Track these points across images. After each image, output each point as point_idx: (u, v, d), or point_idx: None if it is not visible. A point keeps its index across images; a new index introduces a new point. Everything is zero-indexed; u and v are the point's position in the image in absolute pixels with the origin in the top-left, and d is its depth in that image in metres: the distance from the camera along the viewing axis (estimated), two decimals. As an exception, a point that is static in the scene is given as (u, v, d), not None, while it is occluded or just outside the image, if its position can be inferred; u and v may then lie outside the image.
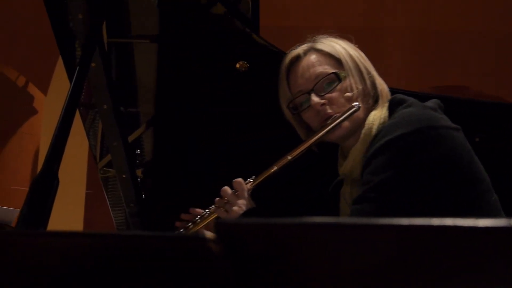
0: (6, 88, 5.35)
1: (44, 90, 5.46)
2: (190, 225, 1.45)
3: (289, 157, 1.36)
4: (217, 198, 1.42)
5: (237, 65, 1.65)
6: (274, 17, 4.18)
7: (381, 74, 1.38)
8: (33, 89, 5.49)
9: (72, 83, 1.36)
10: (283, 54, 1.44)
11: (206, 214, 1.44)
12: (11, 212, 1.91)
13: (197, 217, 1.44)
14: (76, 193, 4.92)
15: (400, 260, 0.43)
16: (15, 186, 5.35)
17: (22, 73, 5.41)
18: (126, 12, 1.87)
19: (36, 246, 0.72)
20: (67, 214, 4.64)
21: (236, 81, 1.72)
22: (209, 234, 0.41)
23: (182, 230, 1.46)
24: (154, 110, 2.09)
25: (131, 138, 1.94)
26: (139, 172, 2.05)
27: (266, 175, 1.39)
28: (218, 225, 0.40)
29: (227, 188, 1.41)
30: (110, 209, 2.03)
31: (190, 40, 1.84)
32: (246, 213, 1.36)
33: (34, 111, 5.51)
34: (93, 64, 1.53)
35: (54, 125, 4.41)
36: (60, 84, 5.39)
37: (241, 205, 1.37)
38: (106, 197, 2.01)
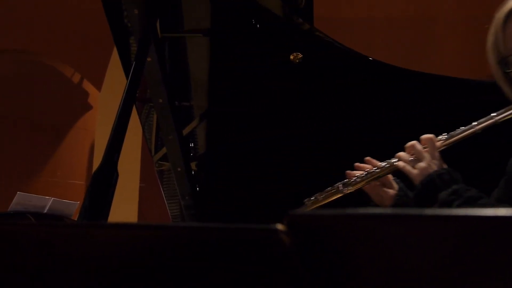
0: (63, 85, 5.50)
1: (98, 86, 5.59)
2: (355, 180, 1.25)
3: (496, 117, 1.14)
4: (401, 153, 1.21)
5: (291, 57, 1.63)
6: (325, 9, 4.14)
7: (434, 62, 1.33)
8: (87, 86, 5.62)
9: (129, 78, 1.38)
10: (338, 45, 1.42)
11: (379, 170, 1.24)
12: (71, 205, 1.96)
13: (373, 168, 1.24)
14: (130, 187, 5.02)
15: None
16: (71, 180, 5.50)
17: (77, 70, 5.55)
18: (178, 6, 1.88)
19: (98, 237, 0.73)
20: (121, 208, 4.74)
21: (290, 72, 1.71)
22: (279, 226, 0.40)
23: (354, 179, 1.26)
24: (207, 103, 2.10)
25: (185, 132, 1.96)
26: (193, 165, 2.07)
27: (463, 134, 1.17)
28: (289, 216, 0.40)
29: (416, 143, 1.19)
30: (165, 201, 2.06)
31: (242, 33, 1.84)
32: (441, 176, 1.14)
33: (89, 107, 5.65)
34: (149, 59, 1.55)
35: (108, 120, 4.50)
36: (114, 80, 5.50)
37: (430, 163, 1.15)
38: (161, 190, 2.04)
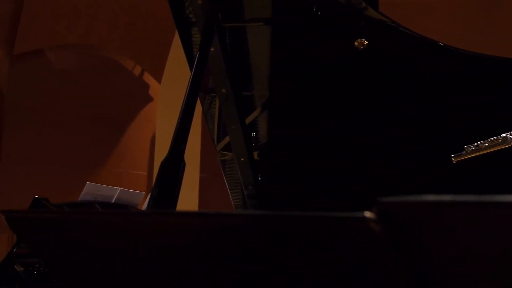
0: (124, 77, 5.62)
1: (158, 78, 5.68)
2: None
3: None
4: None
5: (356, 43, 1.60)
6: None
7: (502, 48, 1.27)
8: (148, 78, 5.72)
9: (194, 68, 1.38)
10: (407, 31, 1.37)
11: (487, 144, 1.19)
12: (137, 195, 2.00)
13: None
14: (190, 177, 5.09)
15: None
16: (134, 171, 5.62)
17: (138, 63, 5.66)
18: (239, -4, 1.88)
19: (167, 225, 0.73)
20: (182, 198, 4.81)
21: (355, 60, 1.67)
22: (368, 213, 0.39)
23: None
24: (269, 92, 2.09)
25: (247, 121, 1.96)
26: (255, 155, 2.07)
27: None
28: (379, 204, 0.38)
29: None
30: (228, 191, 2.07)
31: (304, 19, 1.82)
32: None
33: (150, 99, 5.75)
34: (212, 49, 1.55)
35: (168, 111, 4.59)
36: (173, 72, 5.58)
37: None
38: (224, 179, 2.05)
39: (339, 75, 1.79)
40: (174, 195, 1.22)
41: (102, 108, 5.46)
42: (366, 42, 1.59)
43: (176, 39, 5.61)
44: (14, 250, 1.52)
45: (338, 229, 0.42)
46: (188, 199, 5.15)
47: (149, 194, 2.24)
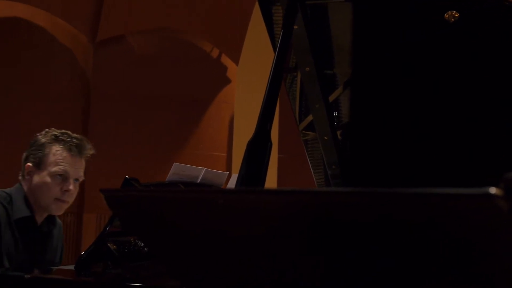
0: (203, 60, 5.69)
1: (236, 60, 5.71)
2: None
3: None
4: None
5: (446, 16, 1.52)
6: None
7: None
8: (226, 60, 5.77)
9: (278, 46, 1.37)
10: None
11: None
12: (221, 175, 2.02)
13: None
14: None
15: None
16: (214, 152, 5.71)
17: (215, 46, 5.71)
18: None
19: (256, 202, 0.72)
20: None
21: (444, 35, 1.59)
22: (495, 190, 0.36)
23: None
24: (351, 71, 2.05)
25: (330, 100, 1.93)
26: (337, 134, 2.04)
27: None
28: (508, 180, 0.35)
29: None
30: (312, 171, 2.05)
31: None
32: None
33: (227, 81, 5.80)
34: (295, 27, 1.53)
35: (246, 93, 4.59)
36: (250, 54, 5.60)
37: None
38: (308, 159, 2.03)
39: (427, 52, 1.72)
40: (262, 174, 1.21)
41: (181, 91, 5.56)
42: (457, 14, 1.51)
43: (253, 21, 5.61)
44: (107, 228, 1.57)
45: (456, 207, 0.39)
46: (267, 180, 5.16)
47: (232, 174, 2.26)
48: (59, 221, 2.07)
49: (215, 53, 5.75)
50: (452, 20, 1.52)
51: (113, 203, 0.75)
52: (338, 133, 2.06)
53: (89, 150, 1.97)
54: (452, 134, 1.71)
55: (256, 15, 5.48)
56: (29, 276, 1.46)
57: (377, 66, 1.92)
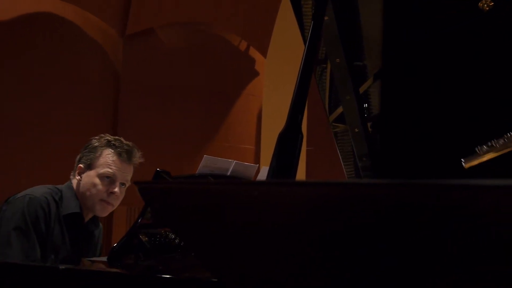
0: (231, 53, 5.69)
1: (264, 53, 5.70)
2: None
3: None
4: None
5: (479, 4, 1.49)
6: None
7: None
8: (254, 53, 5.76)
9: (309, 37, 1.36)
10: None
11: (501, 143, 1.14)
12: (251, 168, 2.02)
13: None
14: (297, 150, 5.07)
15: None
16: (242, 145, 5.72)
17: (243, 38, 5.71)
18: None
19: (288, 195, 0.72)
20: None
21: (478, 25, 1.56)
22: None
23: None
24: (381, 62, 2.03)
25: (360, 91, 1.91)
26: (368, 126, 2.02)
27: None
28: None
29: None
30: (342, 163, 2.04)
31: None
32: None
33: (255, 73, 5.80)
34: (326, 18, 1.52)
35: (274, 85, 4.59)
36: (278, 46, 5.58)
37: None
38: (338, 151, 2.02)
39: (460, 42, 1.69)
40: (293, 167, 1.21)
41: (209, 84, 5.58)
42: (492, 3, 1.48)
43: (281, 13, 5.59)
44: (139, 220, 1.59)
45: (498, 200, 0.38)
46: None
47: (262, 167, 2.26)
48: (100, 224, 2.14)
49: (243, 46, 5.75)
50: (487, 8, 1.49)
51: (147, 195, 0.75)
52: (368, 125, 2.04)
53: (138, 158, 2.07)
54: (489, 127, 1.68)
55: (284, 7, 5.46)
56: (63, 267, 1.48)
57: (407, 57, 1.90)
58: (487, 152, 1.18)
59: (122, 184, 2.01)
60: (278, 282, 0.86)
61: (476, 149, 1.24)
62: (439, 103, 1.84)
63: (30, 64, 5.07)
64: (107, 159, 2.01)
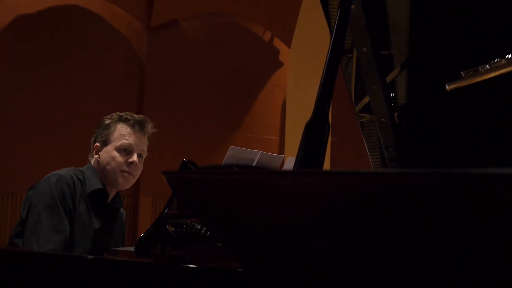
0: (255, 43, 5.68)
1: (288, 43, 5.67)
2: None
3: None
4: None
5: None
6: None
7: None
8: (278, 43, 5.74)
9: (336, 26, 1.34)
10: None
11: None
12: (276, 158, 2.02)
13: None
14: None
15: None
16: (266, 136, 5.71)
17: (267, 29, 5.69)
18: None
19: (317, 185, 0.71)
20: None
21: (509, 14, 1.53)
22: None
23: None
24: (408, 51, 2.00)
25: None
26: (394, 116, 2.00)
27: None
28: None
29: None
30: (368, 154, 2.02)
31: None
32: None
33: (280, 64, 5.78)
34: (352, 6, 1.50)
35: (299, 76, 4.56)
36: (302, 36, 5.55)
37: None
38: (364, 142, 2.01)
39: (489, 30, 1.65)
40: (320, 157, 1.20)
41: (233, 74, 5.57)
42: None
43: (305, 3, 5.55)
44: (166, 211, 1.60)
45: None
46: (320, 163, 5.13)
47: (288, 157, 2.25)
48: (123, 210, 2.19)
49: (267, 36, 5.73)
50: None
51: (176, 185, 0.75)
52: (395, 115, 2.02)
53: (151, 129, 2.14)
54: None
55: (308, -3, 5.42)
56: (92, 257, 1.50)
57: (435, 45, 1.87)
58: (472, 76, 1.16)
59: (140, 155, 2.08)
60: (304, 272, 0.85)
61: (462, 73, 1.23)
62: (467, 93, 1.81)
63: (56, 56, 5.13)
64: (122, 131, 2.09)
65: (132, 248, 1.65)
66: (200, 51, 5.52)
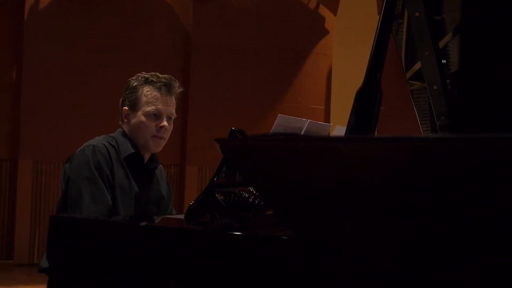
0: (300, 11, 5.61)
1: (334, 10, 5.57)
2: None
3: None
4: None
5: None
6: None
7: None
8: (324, 11, 5.64)
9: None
10: None
11: None
12: (325, 127, 2.00)
13: None
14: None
15: None
16: (312, 105, 5.67)
17: (313, -4, 5.60)
18: None
19: (366, 150, 0.69)
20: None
21: None
22: None
23: None
24: (461, 16, 1.93)
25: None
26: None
27: None
28: None
29: None
30: (419, 122, 1.98)
31: None
32: None
33: (325, 32, 5.69)
34: (405, -30, 1.45)
35: (344, 44, 4.48)
36: (348, 4, 5.43)
37: None
38: (415, 110, 1.96)
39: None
40: (372, 125, 1.18)
41: (279, 43, 5.53)
42: None
43: (351, -31, 5.42)
44: (215, 179, 1.61)
45: None
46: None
47: (337, 126, 2.23)
48: (161, 166, 2.22)
49: (312, 4, 5.64)
50: None
51: (230, 153, 0.75)
52: (447, 82, 1.97)
53: (178, 88, 2.13)
54: None
55: (355, -38, 5.29)
56: (143, 224, 1.53)
57: (489, 10, 1.80)
58: None
59: (169, 118, 2.09)
60: (355, 241, 0.84)
61: None
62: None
63: (104, 28, 5.19)
64: (149, 96, 2.08)
65: (181, 216, 1.67)
66: (245, 20, 5.49)
